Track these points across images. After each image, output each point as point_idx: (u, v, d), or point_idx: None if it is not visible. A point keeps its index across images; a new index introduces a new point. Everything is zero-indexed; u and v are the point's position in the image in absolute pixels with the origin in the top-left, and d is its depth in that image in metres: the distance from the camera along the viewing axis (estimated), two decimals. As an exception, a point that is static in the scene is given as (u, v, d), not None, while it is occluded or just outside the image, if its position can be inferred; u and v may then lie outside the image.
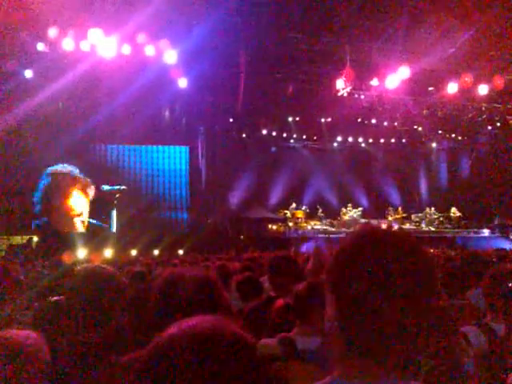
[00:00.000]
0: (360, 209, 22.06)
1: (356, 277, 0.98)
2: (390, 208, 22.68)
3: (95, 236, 16.82)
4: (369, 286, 0.96)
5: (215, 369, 0.74)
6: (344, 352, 1.02)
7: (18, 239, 16.21)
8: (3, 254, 14.63)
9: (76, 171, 18.06)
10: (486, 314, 2.37)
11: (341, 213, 21.77)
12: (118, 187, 18.65)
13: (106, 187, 18.89)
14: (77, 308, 1.80)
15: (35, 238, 16.21)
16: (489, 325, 2.24)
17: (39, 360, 1.45)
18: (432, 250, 11.55)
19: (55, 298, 2.43)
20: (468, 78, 16.10)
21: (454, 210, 22.24)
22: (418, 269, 0.99)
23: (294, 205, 21.54)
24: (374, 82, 16.65)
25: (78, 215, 18.34)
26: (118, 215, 18.42)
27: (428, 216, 22.40)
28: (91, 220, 18.54)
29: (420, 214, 22.72)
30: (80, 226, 18.45)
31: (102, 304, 1.81)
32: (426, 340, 0.98)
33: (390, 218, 22.01)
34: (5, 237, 16.08)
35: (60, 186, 17.96)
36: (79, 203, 18.49)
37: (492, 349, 1.98)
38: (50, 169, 17.77)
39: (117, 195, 18.41)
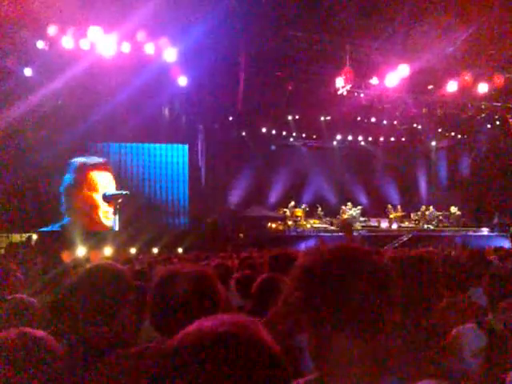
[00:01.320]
0: (359, 207, 22.06)
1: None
2: (390, 206, 22.69)
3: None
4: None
5: (238, 369, 0.74)
6: (323, 351, 1.06)
7: (17, 237, 16.22)
8: (2, 252, 14.65)
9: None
10: (487, 312, 2.38)
11: (340, 211, 21.75)
12: (120, 192, 18.73)
13: (108, 192, 18.95)
14: (84, 303, 1.81)
15: (34, 236, 16.23)
16: (489, 323, 2.24)
17: (58, 351, 1.48)
18: (431, 249, 11.54)
19: (19, 295, 2.43)
20: (468, 77, 16.12)
21: (453, 208, 22.26)
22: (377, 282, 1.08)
23: (292, 203, 21.52)
24: (374, 81, 16.65)
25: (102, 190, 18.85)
26: (120, 219, 18.51)
27: (425, 215, 22.40)
28: (110, 192, 18.84)
29: (419, 213, 22.72)
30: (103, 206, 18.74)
31: (110, 299, 1.82)
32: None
33: (390, 216, 22.03)
34: (4, 235, 16.10)
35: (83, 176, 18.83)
36: (104, 179, 19.11)
37: (492, 347, 1.98)
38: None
39: (119, 200, 18.48)
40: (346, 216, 21.32)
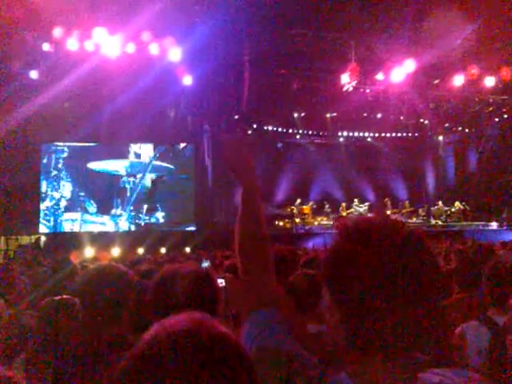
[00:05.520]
0: (367, 204, 21.98)
1: (357, 277, 0.96)
2: (400, 203, 22.64)
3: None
4: (370, 286, 0.95)
5: (197, 369, 0.74)
6: (350, 348, 1.00)
7: (26, 239, 16.32)
8: (12, 254, 14.75)
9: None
10: (488, 307, 2.35)
11: (340, 208, 21.65)
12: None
13: None
14: (87, 306, 1.81)
15: (43, 238, 16.32)
16: (491, 318, 2.21)
17: None
18: (441, 245, 11.45)
19: (59, 297, 2.43)
20: (474, 70, 15.99)
21: (457, 203, 22.08)
22: (421, 266, 0.96)
23: (298, 201, 21.49)
24: (380, 76, 16.57)
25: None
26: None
27: (433, 210, 22.29)
28: None
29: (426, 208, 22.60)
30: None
31: (112, 301, 1.81)
32: (426, 337, 0.96)
33: (388, 212, 21.86)
34: (13, 237, 16.20)
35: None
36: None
37: (494, 342, 1.95)
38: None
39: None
40: (344, 214, 21.28)
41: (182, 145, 20.42)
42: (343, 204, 21.73)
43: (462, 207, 21.82)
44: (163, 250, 14.48)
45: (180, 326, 0.79)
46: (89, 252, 13.08)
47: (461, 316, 2.78)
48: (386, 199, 22.26)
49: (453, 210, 21.97)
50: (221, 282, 3.73)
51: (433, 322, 0.97)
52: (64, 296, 2.46)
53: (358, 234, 1.01)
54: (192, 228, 19.56)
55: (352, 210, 21.50)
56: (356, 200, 21.88)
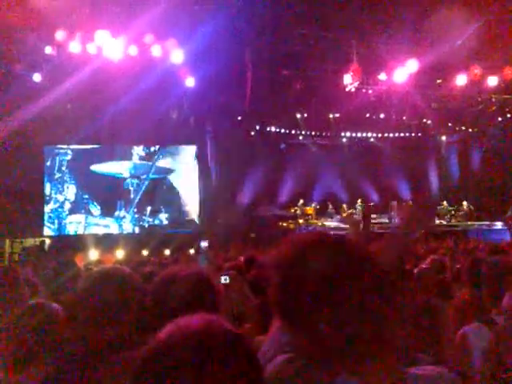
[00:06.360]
0: (370, 204, 21.93)
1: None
2: (403, 203, 22.57)
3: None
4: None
5: (210, 367, 0.77)
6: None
7: (31, 241, 16.37)
8: (16, 257, 14.82)
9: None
10: (491, 308, 2.34)
11: (340, 209, 21.67)
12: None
13: None
14: (90, 308, 1.81)
15: (48, 241, 16.37)
16: (492, 319, 2.21)
17: None
18: (446, 245, 11.43)
19: (33, 302, 2.43)
20: (477, 70, 15.97)
21: (465, 203, 22.06)
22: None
23: (302, 201, 21.49)
24: (382, 77, 16.57)
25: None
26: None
27: (437, 210, 22.24)
28: None
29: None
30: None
31: (115, 304, 1.82)
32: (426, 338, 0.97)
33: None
34: (18, 240, 16.25)
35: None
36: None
37: (496, 345, 1.95)
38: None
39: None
40: (345, 215, 21.30)
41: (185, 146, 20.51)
42: (343, 206, 21.77)
43: (469, 207, 21.81)
44: (167, 252, 14.50)
45: (194, 327, 0.83)
46: (93, 254, 13.12)
47: (463, 317, 2.77)
48: (394, 202, 22.24)
49: (460, 211, 21.94)
50: (225, 278, 3.73)
51: (432, 323, 0.98)
52: (39, 300, 2.46)
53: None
54: (195, 230, 19.58)
55: (353, 210, 21.51)
56: (359, 200, 21.87)
